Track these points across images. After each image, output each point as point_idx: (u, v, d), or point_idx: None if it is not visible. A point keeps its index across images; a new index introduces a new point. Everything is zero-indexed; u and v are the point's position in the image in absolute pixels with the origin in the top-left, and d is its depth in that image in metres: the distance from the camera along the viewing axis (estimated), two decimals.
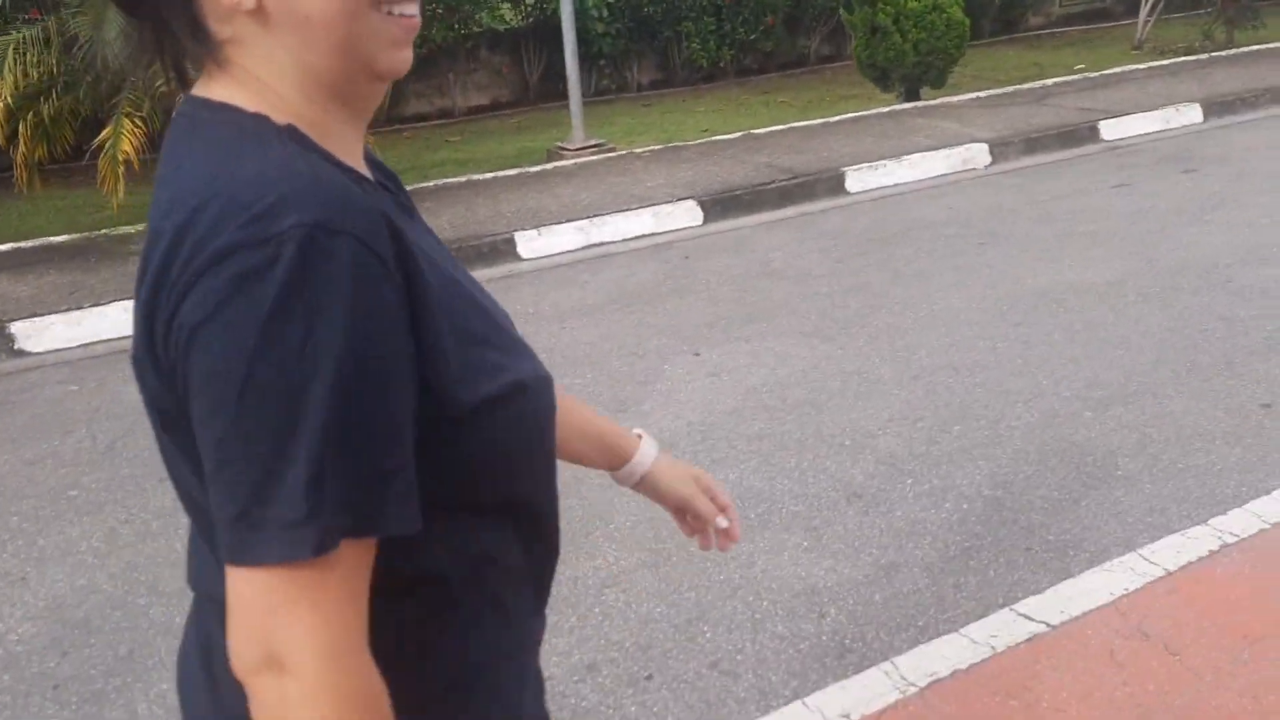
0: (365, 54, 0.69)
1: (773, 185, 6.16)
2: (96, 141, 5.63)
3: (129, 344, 0.73)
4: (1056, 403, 3.27)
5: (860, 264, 4.83)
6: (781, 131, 7.60)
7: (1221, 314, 3.86)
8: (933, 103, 8.28)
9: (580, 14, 10.42)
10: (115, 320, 4.54)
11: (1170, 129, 7.31)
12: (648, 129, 8.95)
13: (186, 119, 0.70)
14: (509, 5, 11.21)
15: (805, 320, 4.15)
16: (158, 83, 5.20)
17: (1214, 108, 7.57)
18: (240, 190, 0.62)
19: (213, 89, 0.70)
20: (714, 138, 7.62)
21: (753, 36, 11.99)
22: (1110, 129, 7.17)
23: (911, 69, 8.02)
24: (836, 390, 3.49)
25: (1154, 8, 11.36)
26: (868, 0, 7.91)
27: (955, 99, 8.35)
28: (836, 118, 7.92)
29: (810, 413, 3.34)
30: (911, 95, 8.44)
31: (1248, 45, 10.05)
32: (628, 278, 4.93)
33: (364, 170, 0.75)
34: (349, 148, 0.73)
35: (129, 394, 3.42)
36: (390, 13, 0.70)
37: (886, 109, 8.13)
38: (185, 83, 0.73)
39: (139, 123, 5.47)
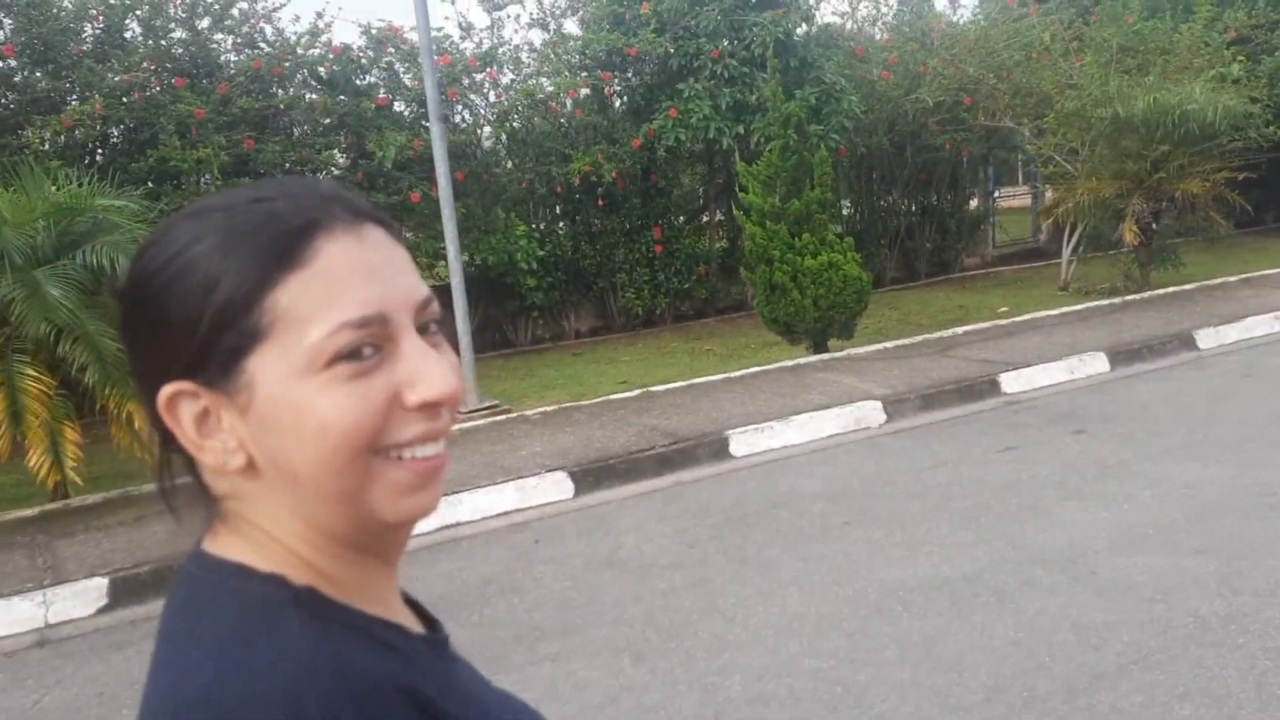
0: (370, 505, 0.64)
1: (652, 452, 5.90)
2: None
3: None
4: None
5: (711, 550, 4.46)
6: (680, 390, 7.46)
7: (1076, 620, 3.45)
8: (839, 355, 8.22)
9: (511, 268, 10.67)
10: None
11: (1075, 379, 7.17)
12: (565, 383, 8.85)
13: (191, 583, 0.66)
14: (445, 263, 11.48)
15: (625, 631, 3.73)
16: None
17: (1120, 356, 7.48)
18: (248, 708, 0.56)
19: (221, 543, 0.66)
20: (612, 395, 7.47)
21: (687, 285, 12.25)
22: (1011, 381, 7.02)
23: (813, 324, 8.01)
24: None
25: (1075, 249, 11.67)
26: (765, 259, 8.01)
27: (863, 350, 8.30)
28: (739, 372, 7.82)
29: None
30: (819, 347, 8.39)
31: (1168, 286, 10.18)
32: (460, 571, 4.55)
33: (399, 615, 0.69)
34: (377, 594, 0.68)
35: None
36: (401, 457, 0.63)
37: (792, 362, 8.05)
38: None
39: None
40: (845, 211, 14.20)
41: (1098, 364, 7.39)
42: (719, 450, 6.05)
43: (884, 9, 13.68)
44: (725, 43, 11.10)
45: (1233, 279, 10.12)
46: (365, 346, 0.62)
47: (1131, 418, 5.97)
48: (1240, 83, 10.36)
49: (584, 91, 11.54)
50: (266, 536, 0.65)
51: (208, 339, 0.62)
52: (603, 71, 11.23)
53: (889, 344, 8.50)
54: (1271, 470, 4.76)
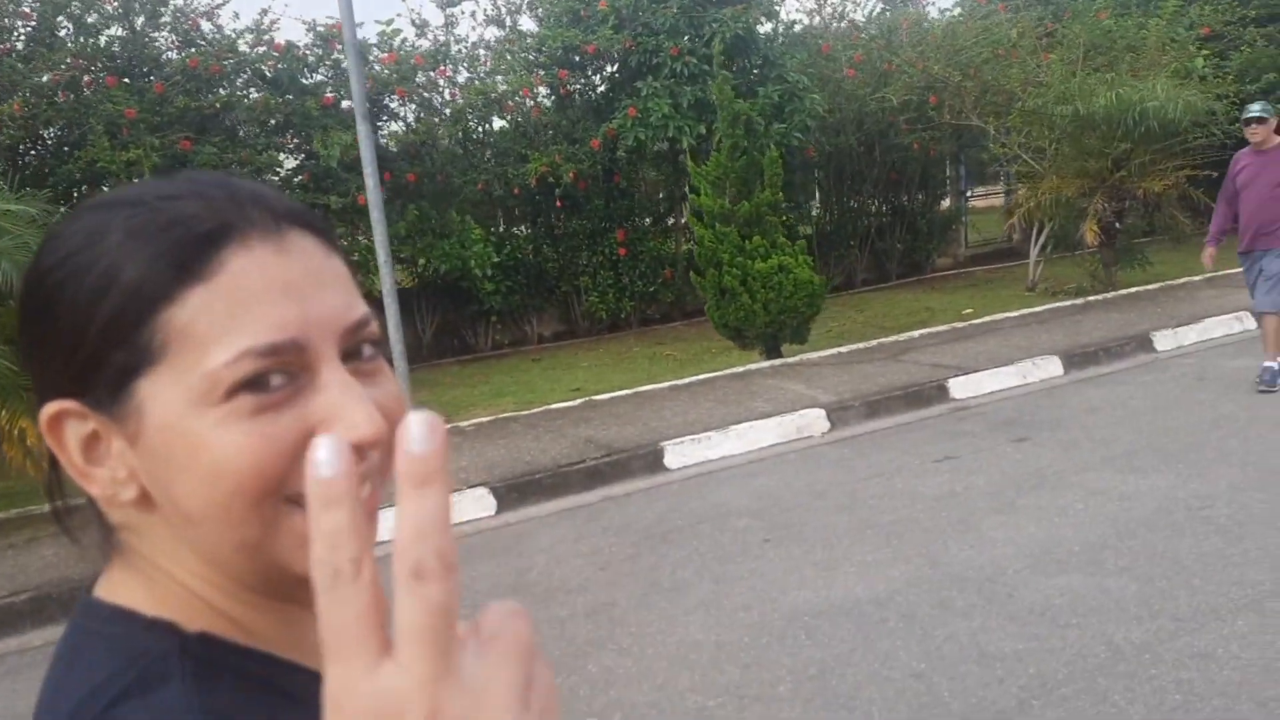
0: (275, 557, 0.54)
1: (583, 465, 5.70)
2: None
3: None
4: None
5: (623, 572, 4.26)
6: (623, 398, 7.25)
7: (984, 648, 3.25)
8: (791, 360, 8.02)
9: (467, 275, 10.44)
10: None
11: (1027, 383, 6.99)
12: (516, 390, 8.64)
13: (73, 632, 0.57)
14: (401, 267, 11.27)
15: None
16: None
17: (1075, 360, 7.29)
18: None
19: (112, 581, 0.58)
20: (553, 405, 7.27)
21: (652, 288, 12.04)
22: (960, 387, 6.83)
23: (764, 329, 7.81)
24: None
25: (1043, 249, 11.49)
26: (714, 263, 7.81)
27: (816, 355, 8.11)
28: (686, 380, 7.62)
29: None
30: (772, 352, 8.19)
31: (1133, 286, 10.00)
32: None
33: (318, 657, 0.50)
34: (294, 638, 0.59)
35: None
36: None
37: (742, 368, 7.86)
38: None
39: None
40: (815, 212, 14.03)
41: (1051, 368, 7.21)
42: (653, 462, 5.85)
43: (850, 6, 13.47)
44: (685, 40, 10.90)
45: (1197, 279, 9.94)
46: (274, 376, 0.53)
47: (1077, 425, 5.78)
48: (1207, 79, 10.21)
49: (542, 90, 11.34)
50: (164, 575, 0.58)
51: (95, 354, 0.54)
52: (560, 69, 11.02)
53: (844, 348, 8.30)
54: (1209, 482, 4.58)
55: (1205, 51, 10.30)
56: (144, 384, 0.54)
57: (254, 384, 0.53)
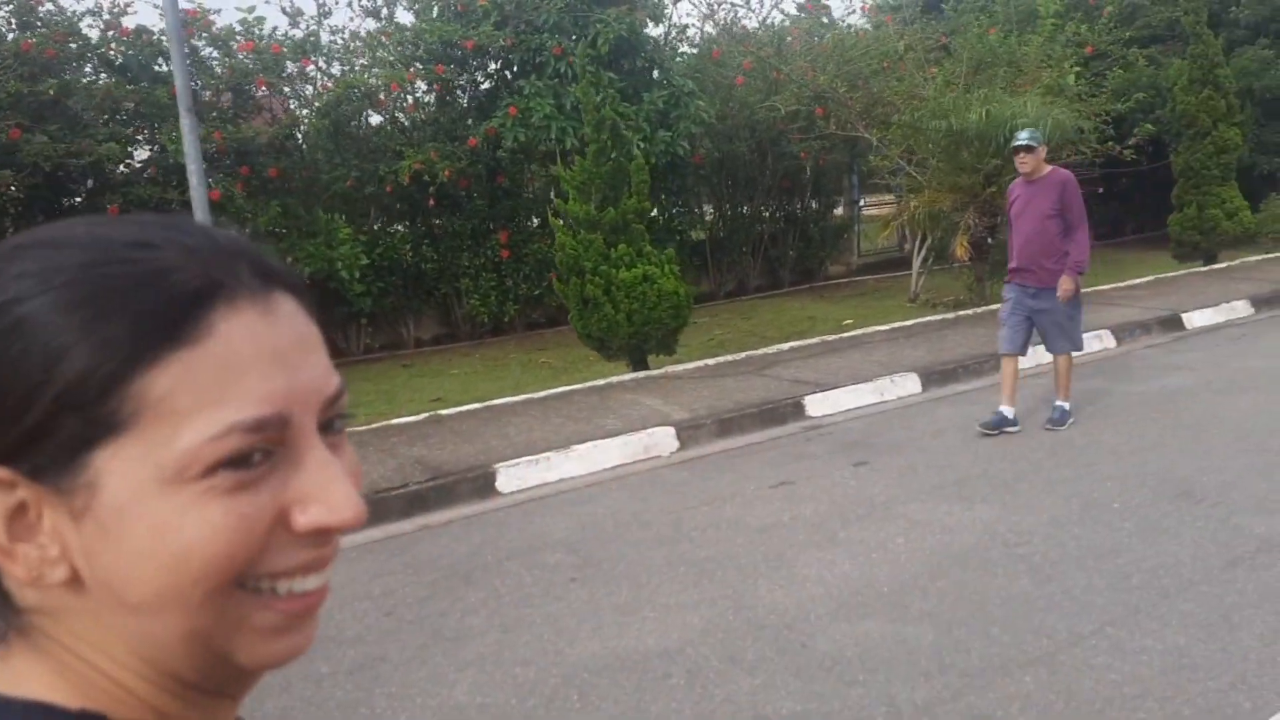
0: (223, 648, 0.50)
1: (404, 490, 5.35)
2: None
3: None
4: None
5: (409, 617, 3.94)
6: (471, 413, 6.92)
7: (759, 710, 3.03)
8: (657, 373, 7.79)
9: (332, 276, 9.96)
10: None
11: (884, 401, 6.89)
12: (374, 400, 8.22)
13: None
14: None
15: None
16: None
17: (934, 377, 7.23)
18: None
19: (16, 668, 0.51)
20: (395, 420, 6.89)
21: (537, 292, 11.71)
22: (816, 404, 6.69)
23: (627, 340, 7.56)
24: None
25: (925, 261, 11.52)
26: (577, 271, 7.52)
27: (682, 367, 7.89)
28: (542, 392, 7.33)
29: None
30: (638, 364, 7.95)
31: None
32: None
33: None
34: None
35: None
36: (275, 591, 0.50)
37: (603, 381, 7.60)
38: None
39: None
40: (707, 218, 13.89)
41: (910, 385, 7.12)
42: (483, 487, 5.54)
43: (742, 11, 13.35)
44: (570, 39, 10.59)
45: None
46: (256, 452, 0.49)
47: (920, 447, 5.66)
48: (1082, 97, 10.32)
49: (421, 86, 10.92)
50: (82, 663, 0.51)
51: (45, 420, 0.47)
52: (438, 65, 10.61)
53: (712, 360, 8.11)
54: (1033, 513, 4.47)
55: (1077, 70, 10.39)
56: (102, 455, 0.48)
57: (234, 460, 0.49)
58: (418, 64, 10.73)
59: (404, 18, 11.39)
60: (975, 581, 3.82)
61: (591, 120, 7.66)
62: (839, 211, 14.92)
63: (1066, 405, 5.98)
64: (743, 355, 8.23)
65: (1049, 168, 5.93)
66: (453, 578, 4.33)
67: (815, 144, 12.27)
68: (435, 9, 11.11)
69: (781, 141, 12.67)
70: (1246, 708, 2.81)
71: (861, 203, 15.03)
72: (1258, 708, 2.80)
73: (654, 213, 12.65)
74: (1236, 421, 5.65)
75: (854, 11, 14.90)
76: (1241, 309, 9.03)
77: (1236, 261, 11.47)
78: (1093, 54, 12.90)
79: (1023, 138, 5.86)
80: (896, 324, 9.13)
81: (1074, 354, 6.12)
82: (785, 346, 8.44)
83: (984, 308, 9.72)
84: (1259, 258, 11.71)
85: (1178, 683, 2.96)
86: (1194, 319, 8.66)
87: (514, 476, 5.62)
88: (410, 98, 10.96)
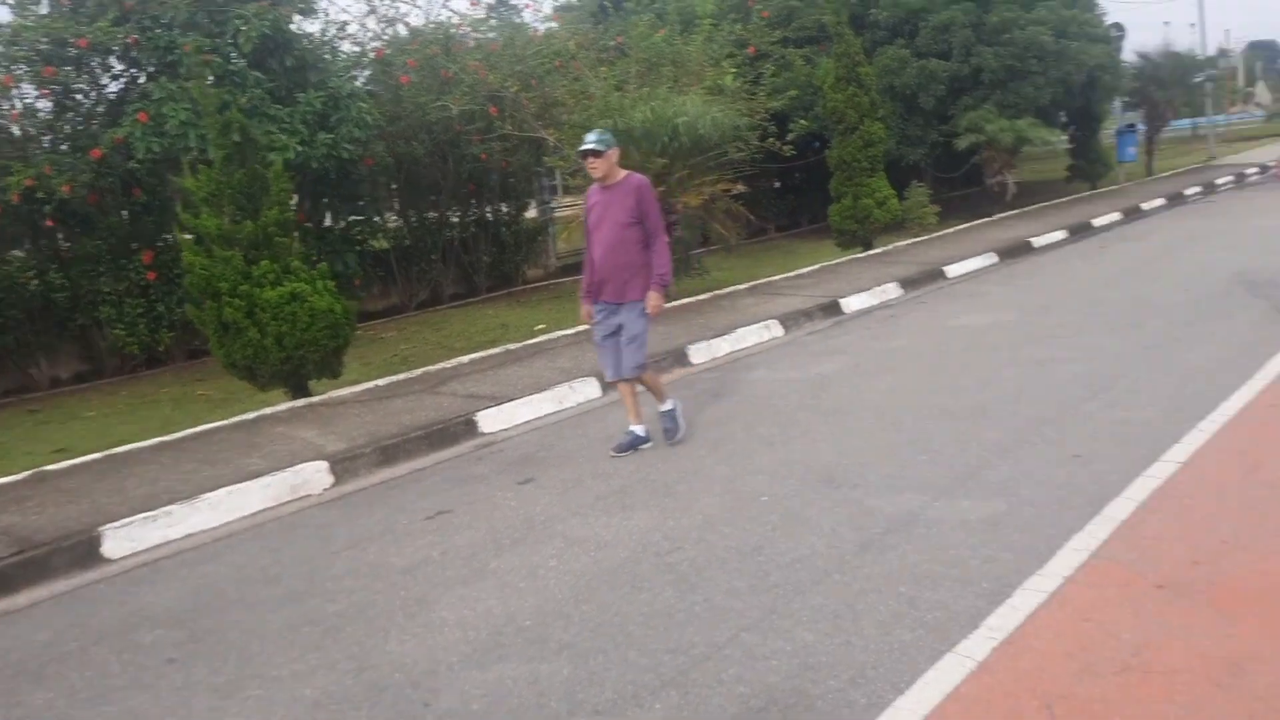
0: None
1: None
2: None
3: None
4: None
5: None
6: (86, 465, 5.93)
7: None
8: (318, 399, 7.11)
9: None
10: None
11: (563, 409, 6.67)
12: None
13: None
14: None
15: None
16: None
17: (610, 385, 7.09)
18: None
19: None
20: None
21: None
22: (490, 420, 6.33)
23: (279, 366, 6.81)
24: None
25: None
26: (213, 293, 6.66)
27: (347, 391, 7.26)
28: (177, 434, 6.43)
29: None
30: (299, 390, 7.22)
31: (695, 295, 10.22)
32: None
33: None
34: None
35: None
36: None
37: (254, 414, 6.81)
38: None
39: None
40: (393, 224, 13.20)
41: (589, 390, 6.96)
42: (86, 554, 4.67)
43: (404, 8, 12.78)
44: (209, 38, 9.53)
45: (743, 286, 10.40)
46: None
47: (588, 457, 5.45)
48: (742, 96, 10.74)
49: (30, 90, 9.41)
50: None
51: None
52: (47, 66, 9.17)
53: (382, 381, 7.53)
54: (688, 516, 4.35)
55: (733, 70, 10.82)
56: None
57: None
58: (22, 65, 9.22)
59: (1, 14, 9.77)
60: (621, 601, 3.59)
61: (214, 124, 6.83)
62: (532, 214, 14.73)
63: (670, 404, 5.56)
64: (418, 372, 7.72)
65: (624, 173, 5.40)
66: (18, 677, 3.51)
67: (496, 145, 11.96)
68: (45, 4, 9.64)
69: (461, 143, 12.25)
70: (862, 704, 2.75)
71: (553, 204, 14.92)
72: (872, 703, 2.74)
73: (327, 222, 11.82)
74: (875, 402, 5.94)
75: (540, 11, 14.68)
76: (892, 291, 9.74)
77: (890, 247, 12.49)
78: (756, 54, 13.59)
79: (590, 140, 5.26)
80: (582, 327, 8.98)
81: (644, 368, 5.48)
82: (465, 359, 8.03)
83: (669, 304, 9.82)
84: (908, 242, 12.83)
85: (800, 686, 2.86)
86: (851, 303, 9.22)
87: (125, 538, 4.78)
88: (19, 103, 9.43)
